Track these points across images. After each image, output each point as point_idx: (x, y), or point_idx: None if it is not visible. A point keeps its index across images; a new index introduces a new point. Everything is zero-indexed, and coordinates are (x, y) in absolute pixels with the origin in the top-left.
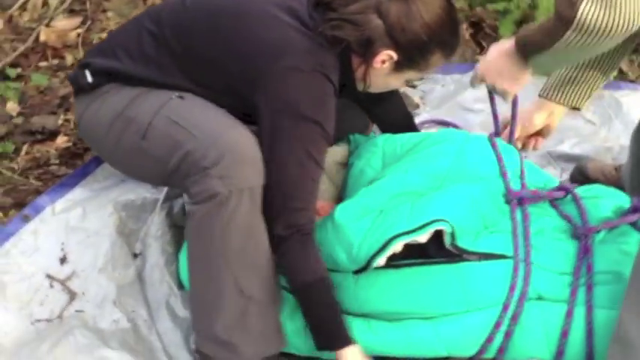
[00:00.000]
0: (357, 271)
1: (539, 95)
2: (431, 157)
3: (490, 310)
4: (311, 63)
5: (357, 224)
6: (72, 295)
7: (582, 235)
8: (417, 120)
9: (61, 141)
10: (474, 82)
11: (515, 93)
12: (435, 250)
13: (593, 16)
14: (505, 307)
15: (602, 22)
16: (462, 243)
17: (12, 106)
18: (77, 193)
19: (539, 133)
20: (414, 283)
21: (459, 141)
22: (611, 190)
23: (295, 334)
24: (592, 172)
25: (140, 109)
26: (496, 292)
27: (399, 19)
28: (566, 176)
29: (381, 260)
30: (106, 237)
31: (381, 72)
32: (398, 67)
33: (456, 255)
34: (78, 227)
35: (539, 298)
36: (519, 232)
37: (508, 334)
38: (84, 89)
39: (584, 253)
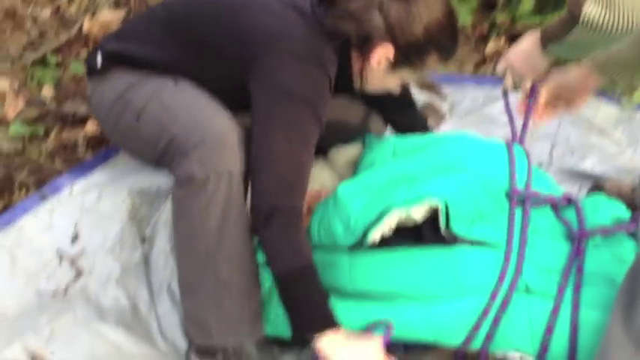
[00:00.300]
0: (353, 247)
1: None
2: (439, 150)
3: (479, 298)
4: (308, 50)
5: (357, 199)
6: (78, 272)
7: (576, 237)
8: (441, 129)
9: (90, 127)
10: (499, 67)
11: (531, 80)
12: (430, 236)
13: (595, 15)
14: (493, 295)
15: (604, 20)
16: (456, 227)
17: (47, 91)
18: (96, 177)
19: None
20: (406, 264)
21: (472, 139)
22: (615, 202)
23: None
24: (608, 189)
25: (138, 92)
26: (486, 279)
27: (399, 18)
28: (582, 194)
29: (376, 233)
30: (118, 220)
31: (378, 69)
32: (394, 65)
33: (450, 240)
34: (92, 209)
35: (528, 291)
36: (516, 226)
37: (495, 323)
38: (95, 71)
39: (577, 254)
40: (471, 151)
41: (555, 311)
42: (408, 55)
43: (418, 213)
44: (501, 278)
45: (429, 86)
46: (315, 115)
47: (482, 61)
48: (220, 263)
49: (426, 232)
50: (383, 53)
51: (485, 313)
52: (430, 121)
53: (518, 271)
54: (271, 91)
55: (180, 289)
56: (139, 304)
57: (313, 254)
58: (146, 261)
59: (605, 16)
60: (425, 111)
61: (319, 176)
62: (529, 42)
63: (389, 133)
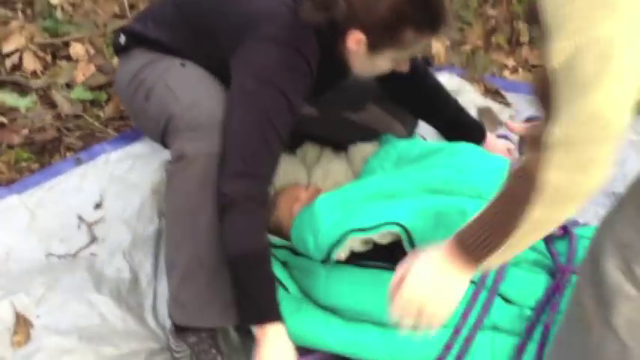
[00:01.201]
0: (323, 261)
1: None
2: (432, 167)
3: (442, 330)
4: (288, 37)
5: (330, 214)
6: (92, 239)
7: (558, 272)
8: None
9: None
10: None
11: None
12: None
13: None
14: (456, 331)
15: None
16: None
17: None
18: (136, 147)
19: None
20: (375, 286)
21: (475, 156)
22: None
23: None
24: None
25: (149, 73)
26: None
27: (362, 2)
28: None
29: (340, 253)
30: (141, 192)
31: (358, 54)
32: (373, 48)
33: None
34: (121, 178)
35: (495, 328)
36: None
37: (459, 358)
38: (118, 50)
39: (554, 290)
40: (472, 170)
41: (521, 349)
42: (381, 36)
43: (381, 238)
44: (464, 315)
45: (492, 92)
46: (284, 98)
47: None
48: (201, 245)
49: (398, 254)
50: (356, 38)
51: (447, 347)
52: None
53: (485, 308)
54: (244, 72)
55: (165, 265)
56: (141, 277)
57: (295, 258)
58: (160, 236)
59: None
60: (480, 116)
61: (335, 172)
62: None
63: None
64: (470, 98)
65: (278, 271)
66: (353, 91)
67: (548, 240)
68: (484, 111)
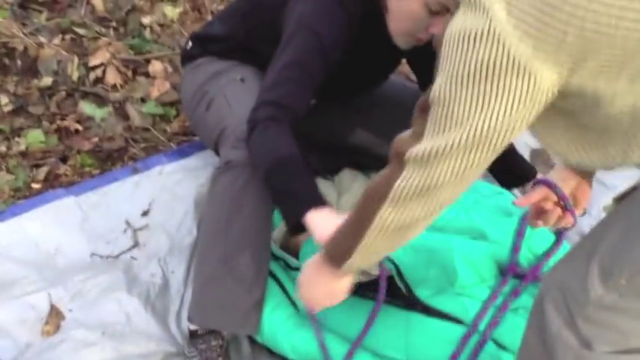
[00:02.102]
0: None
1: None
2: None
3: None
4: None
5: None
6: (135, 244)
7: None
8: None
9: None
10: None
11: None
12: (397, 292)
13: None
14: None
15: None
16: (419, 293)
17: None
18: (190, 161)
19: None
20: (366, 315)
21: (487, 196)
22: None
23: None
24: None
25: (212, 85)
26: (438, 353)
27: None
28: None
29: None
30: (186, 204)
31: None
32: None
33: (413, 302)
34: (170, 189)
35: None
36: (496, 304)
37: None
38: (185, 58)
39: None
40: (479, 208)
41: None
42: None
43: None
44: (453, 357)
45: None
46: (317, 42)
47: None
48: (231, 247)
49: (395, 288)
50: None
51: None
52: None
53: (475, 353)
54: (289, 20)
55: (194, 266)
56: (171, 284)
57: None
58: (194, 247)
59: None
60: (533, 157)
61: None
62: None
63: None
64: (523, 140)
65: (292, 289)
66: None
67: None
68: (537, 153)
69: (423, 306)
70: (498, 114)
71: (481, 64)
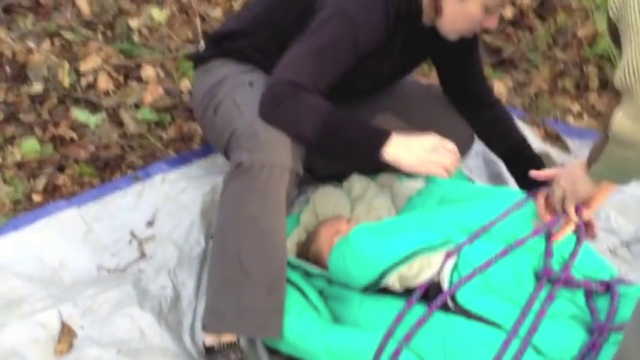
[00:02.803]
0: (367, 289)
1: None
2: (473, 209)
3: None
4: None
5: (369, 239)
6: (141, 255)
7: (596, 330)
8: None
9: None
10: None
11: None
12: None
13: (626, 129)
14: None
15: (635, 135)
16: (459, 296)
17: (185, 84)
18: (192, 169)
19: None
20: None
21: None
22: None
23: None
24: None
25: (220, 89)
26: (476, 358)
27: None
28: None
29: (396, 276)
30: (192, 213)
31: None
32: None
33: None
34: (174, 198)
35: None
36: (535, 309)
37: None
38: (197, 61)
39: (591, 349)
40: (512, 215)
41: None
42: None
43: (436, 261)
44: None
45: (552, 137)
46: (352, 31)
47: None
48: (246, 251)
49: (432, 292)
50: None
51: None
52: None
53: (516, 358)
54: (328, 7)
55: (207, 274)
56: (182, 296)
57: (330, 287)
58: (206, 257)
59: (636, 131)
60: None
61: (379, 208)
62: (578, 165)
63: None
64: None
65: (313, 296)
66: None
67: (589, 295)
68: (542, 156)
69: (462, 309)
70: None
71: None
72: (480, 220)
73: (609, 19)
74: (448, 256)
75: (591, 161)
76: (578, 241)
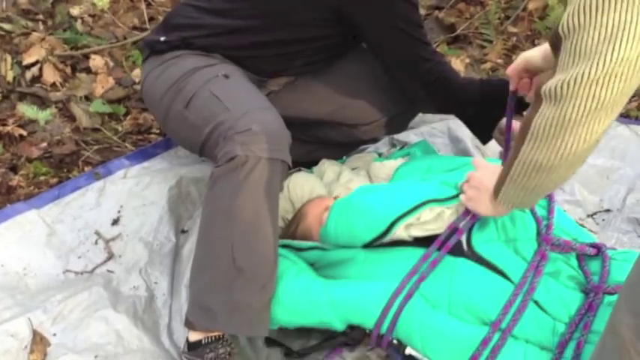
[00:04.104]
0: (371, 244)
1: None
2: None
3: (479, 328)
4: None
5: (373, 194)
6: (110, 256)
7: (591, 291)
8: None
9: None
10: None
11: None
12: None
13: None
14: (495, 325)
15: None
16: (475, 241)
17: (137, 73)
18: (154, 163)
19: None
20: (411, 261)
21: None
22: None
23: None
24: None
25: (190, 81)
26: (479, 302)
27: None
28: None
29: (402, 227)
30: (159, 209)
31: None
32: None
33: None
34: (138, 194)
35: (528, 341)
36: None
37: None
38: (152, 51)
39: (587, 309)
40: None
41: None
42: None
43: (449, 215)
44: (505, 308)
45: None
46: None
47: None
48: (240, 247)
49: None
50: None
51: (484, 343)
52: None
53: (520, 310)
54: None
55: (191, 270)
56: (157, 296)
57: (325, 254)
58: (178, 253)
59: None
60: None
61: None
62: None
63: None
64: None
65: (304, 265)
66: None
67: (581, 259)
68: (500, 129)
69: (475, 254)
70: (627, 42)
71: None
72: None
73: None
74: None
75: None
76: (550, 199)
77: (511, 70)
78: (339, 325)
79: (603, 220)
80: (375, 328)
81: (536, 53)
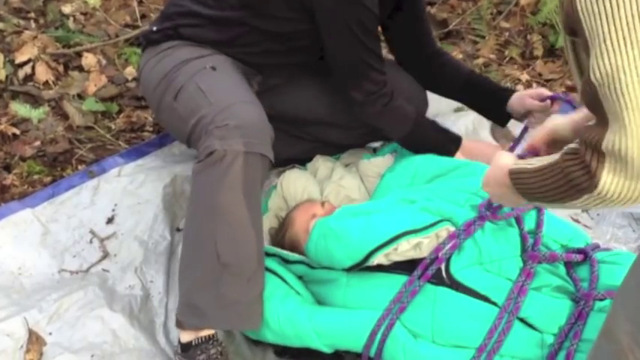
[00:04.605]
0: (351, 269)
1: None
2: (451, 189)
3: (464, 351)
4: None
5: (353, 221)
6: (105, 255)
7: (581, 299)
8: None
9: None
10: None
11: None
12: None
13: (616, 187)
14: (481, 349)
15: (626, 192)
16: (453, 269)
17: (130, 71)
18: (148, 160)
19: None
20: (394, 289)
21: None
22: None
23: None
24: None
25: (180, 73)
26: (473, 332)
27: None
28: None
29: (381, 256)
30: (154, 207)
31: None
32: None
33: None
34: (133, 192)
35: (514, 357)
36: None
37: None
38: (148, 42)
39: (577, 318)
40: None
41: None
42: None
43: (428, 240)
44: (491, 332)
45: None
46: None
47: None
48: (223, 242)
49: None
50: None
51: None
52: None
53: (505, 331)
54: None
55: (179, 269)
56: (152, 294)
57: (312, 272)
58: (174, 252)
59: (628, 188)
60: (493, 131)
61: (348, 189)
62: (500, 184)
63: None
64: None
65: (293, 281)
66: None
67: (569, 266)
68: (497, 126)
69: (455, 282)
70: None
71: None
72: (462, 200)
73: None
74: (452, 237)
75: (532, 198)
76: (539, 211)
77: (538, 142)
78: (326, 350)
79: (598, 214)
80: (365, 350)
81: (565, 125)
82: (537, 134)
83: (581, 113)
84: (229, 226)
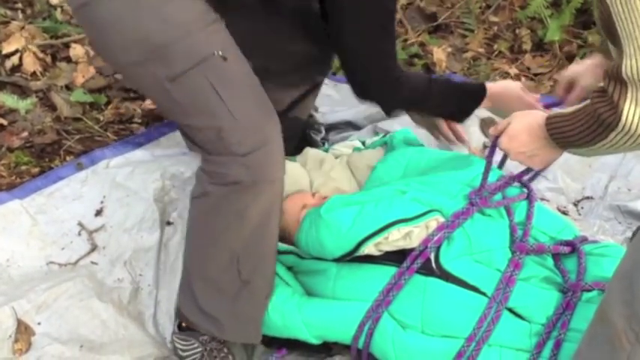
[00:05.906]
0: (341, 259)
1: None
2: (444, 181)
3: (453, 341)
4: None
5: (344, 210)
6: (93, 247)
7: (569, 290)
8: None
9: (149, 102)
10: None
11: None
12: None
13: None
14: (470, 338)
15: None
16: (443, 259)
17: None
18: (137, 154)
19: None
20: (384, 280)
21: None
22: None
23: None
24: None
25: (179, 49)
26: (462, 322)
27: None
28: (629, 234)
29: (371, 246)
30: (143, 200)
31: None
32: None
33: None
34: (121, 185)
35: (503, 346)
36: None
37: None
38: None
39: (565, 308)
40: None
41: None
42: None
43: (419, 230)
44: (480, 321)
45: None
46: None
47: None
48: (247, 261)
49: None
50: None
51: (459, 355)
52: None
53: (494, 321)
54: None
55: (194, 280)
56: (142, 287)
57: (302, 262)
58: (165, 246)
59: None
60: (483, 126)
61: (338, 180)
62: (533, 136)
63: None
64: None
65: (283, 272)
66: None
67: (557, 258)
68: (487, 121)
69: (445, 273)
70: None
71: None
72: (455, 192)
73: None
74: (441, 228)
75: (567, 145)
76: (530, 203)
77: (559, 90)
78: (315, 341)
79: (582, 208)
80: (353, 341)
81: (584, 72)
82: (559, 84)
83: (598, 58)
84: (256, 249)
